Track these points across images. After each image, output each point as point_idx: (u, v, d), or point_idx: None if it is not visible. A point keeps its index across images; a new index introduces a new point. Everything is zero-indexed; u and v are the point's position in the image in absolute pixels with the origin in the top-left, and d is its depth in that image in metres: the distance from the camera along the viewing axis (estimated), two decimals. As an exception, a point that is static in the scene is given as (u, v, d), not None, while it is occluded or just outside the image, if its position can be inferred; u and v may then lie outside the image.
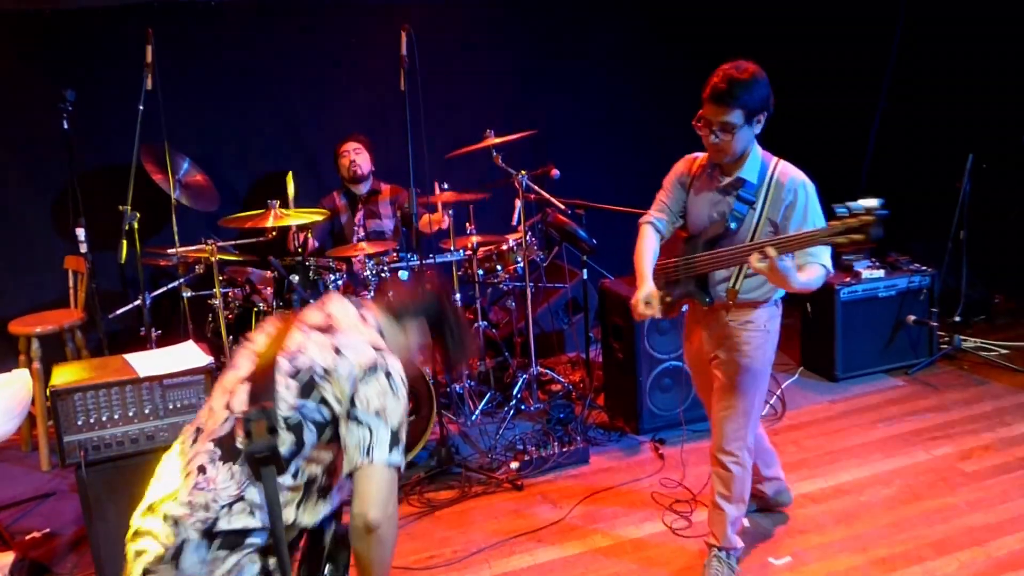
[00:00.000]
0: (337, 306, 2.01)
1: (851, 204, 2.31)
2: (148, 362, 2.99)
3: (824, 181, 6.56)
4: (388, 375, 1.83)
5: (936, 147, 5.84)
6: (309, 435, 1.83)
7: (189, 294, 4.39)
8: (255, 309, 4.16)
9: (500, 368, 5.04)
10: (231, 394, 1.89)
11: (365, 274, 4.17)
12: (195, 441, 1.89)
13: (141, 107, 4.01)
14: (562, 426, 4.38)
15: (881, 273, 5.02)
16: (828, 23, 6.16)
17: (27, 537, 3.65)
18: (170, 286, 4.57)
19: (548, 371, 4.91)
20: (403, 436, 1.85)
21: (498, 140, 4.53)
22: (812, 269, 2.71)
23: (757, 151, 2.82)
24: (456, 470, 4.03)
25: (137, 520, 1.88)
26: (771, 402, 4.64)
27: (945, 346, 5.24)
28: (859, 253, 2.39)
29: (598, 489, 3.83)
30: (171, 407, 2.89)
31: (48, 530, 3.71)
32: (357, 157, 4.93)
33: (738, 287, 2.85)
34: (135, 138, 4.02)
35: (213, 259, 4.00)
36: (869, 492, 3.69)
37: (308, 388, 1.82)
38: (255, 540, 1.78)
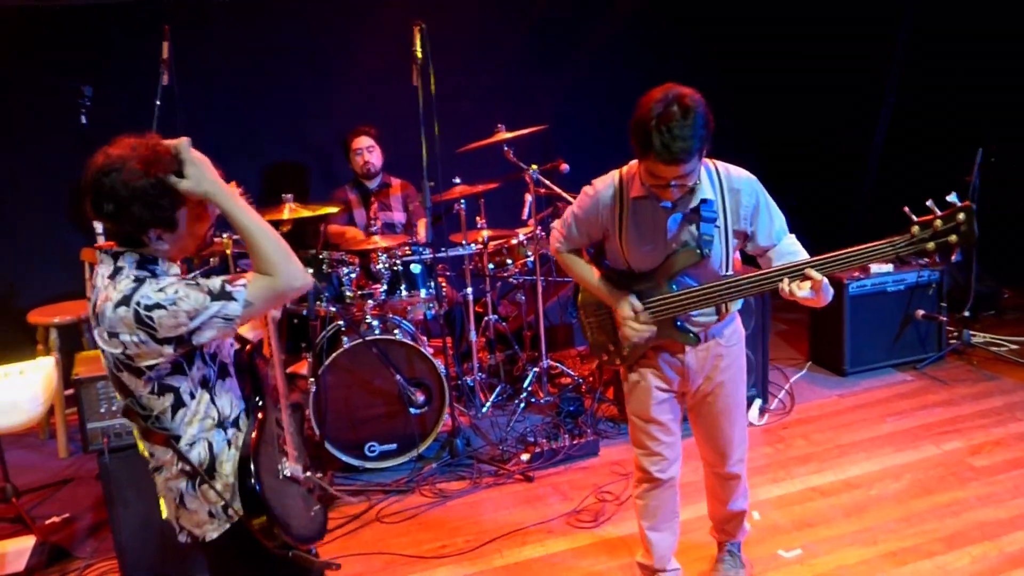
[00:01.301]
0: (98, 272, 1.89)
1: (929, 203, 2.11)
2: (167, 352, 3.03)
3: (832, 176, 6.61)
4: (157, 306, 1.75)
5: (945, 141, 5.85)
6: (177, 379, 1.89)
7: (203, 286, 4.43)
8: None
9: (510, 361, 5.08)
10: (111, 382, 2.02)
11: (378, 267, 4.21)
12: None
13: (158, 102, 4.06)
14: (572, 419, 4.42)
15: (890, 268, 5.03)
16: (836, 17, 6.17)
17: (47, 522, 3.71)
18: (185, 278, 4.62)
19: (558, 364, 4.94)
20: (213, 283, 1.79)
21: (509, 135, 4.56)
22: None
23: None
24: (467, 462, 4.07)
25: None
26: (780, 396, 4.67)
27: (954, 341, 5.26)
28: (945, 259, 2.15)
29: (608, 481, 3.86)
30: (190, 397, 2.93)
31: (68, 515, 3.77)
32: (370, 156, 4.94)
33: (730, 306, 2.60)
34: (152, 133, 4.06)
35: (229, 252, 4.04)
36: (879, 486, 3.72)
37: (133, 369, 1.84)
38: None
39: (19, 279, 5.05)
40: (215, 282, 1.80)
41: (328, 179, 5.51)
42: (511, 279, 4.89)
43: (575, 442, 4.13)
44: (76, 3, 4.86)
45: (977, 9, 5.71)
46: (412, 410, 4.03)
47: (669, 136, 2.15)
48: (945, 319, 5.12)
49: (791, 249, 2.50)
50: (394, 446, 4.07)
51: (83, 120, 4.09)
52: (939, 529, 3.35)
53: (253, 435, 1.97)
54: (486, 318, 4.92)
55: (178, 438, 1.91)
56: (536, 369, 4.75)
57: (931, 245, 2.09)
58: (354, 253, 4.36)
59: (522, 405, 4.59)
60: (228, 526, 1.97)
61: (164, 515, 2.05)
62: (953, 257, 2.12)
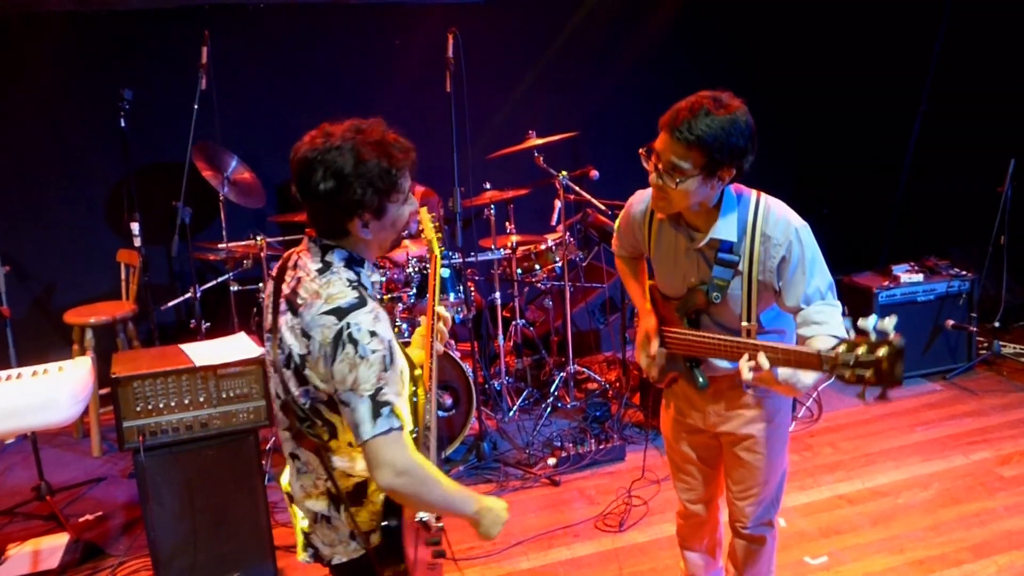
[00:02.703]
0: (303, 260, 1.82)
1: (863, 323, 1.76)
2: (203, 352, 3.09)
3: (863, 187, 6.56)
4: (352, 340, 1.67)
5: (977, 151, 5.80)
6: (329, 413, 1.82)
7: (237, 288, 4.52)
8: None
9: (537, 366, 5.12)
10: (272, 376, 1.90)
11: (408, 271, 4.26)
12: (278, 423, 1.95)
13: (196, 106, 4.14)
14: (598, 424, 4.44)
15: (920, 277, 5.01)
16: (871, 25, 6.15)
17: (81, 520, 3.78)
18: (218, 280, 4.70)
19: (585, 369, 4.96)
20: (385, 395, 1.70)
21: (540, 141, 4.60)
22: (822, 344, 1.97)
23: (731, 195, 2.16)
24: (494, 465, 4.10)
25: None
26: (807, 404, 4.66)
27: (984, 351, 5.21)
28: (875, 391, 1.75)
29: (634, 486, 3.87)
30: (224, 396, 2.99)
31: (101, 513, 3.84)
32: None
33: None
34: (189, 136, 4.15)
35: (263, 254, 4.11)
36: (906, 495, 3.71)
37: (301, 376, 1.78)
38: None
39: (57, 279, 5.17)
40: (389, 387, 1.72)
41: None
42: (539, 284, 4.92)
43: (601, 447, 4.15)
44: (119, 8, 4.96)
45: (1011, 19, 5.67)
46: (440, 413, 4.06)
47: (689, 107, 1.99)
48: (975, 329, 5.08)
49: (817, 319, 2.10)
50: (422, 448, 4.10)
51: (122, 123, 4.18)
52: (966, 538, 3.33)
53: None
54: (514, 322, 4.95)
55: (330, 452, 1.85)
56: (563, 374, 4.77)
57: (847, 375, 1.76)
58: (384, 257, 4.41)
59: (549, 409, 4.61)
60: (359, 555, 1.91)
61: (302, 527, 1.97)
62: (868, 397, 1.76)
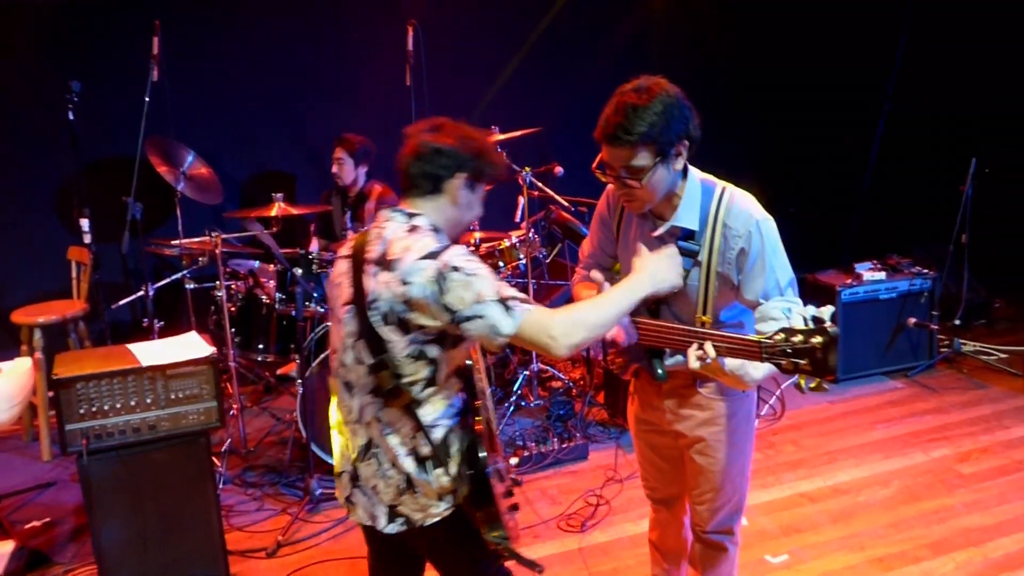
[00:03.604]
0: (389, 227, 1.97)
1: (799, 309, 1.78)
2: (151, 352, 3.00)
3: (828, 186, 6.61)
4: (456, 268, 1.82)
5: (939, 151, 5.86)
6: (436, 351, 1.92)
7: (192, 286, 4.41)
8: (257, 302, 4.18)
9: (501, 364, 5.06)
10: (349, 348, 1.99)
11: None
12: (351, 395, 2.03)
13: (147, 99, 4.03)
14: (562, 422, 4.40)
15: (882, 275, 5.04)
16: (836, 25, 6.18)
17: (27, 526, 3.66)
18: (173, 277, 4.59)
19: (548, 368, 4.92)
20: (507, 291, 1.85)
21: (502, 136, 4.55)
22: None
23: (695, 183, 2.12)
24: (456, 465, 4.04)
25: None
26: (770, 402, 4.66)
27: (945, 349, 5.25)
28: (812, 380, 1.77)
29: (597, 485, 3.84)
30: (173, 397, 2.90)
31: (48, 519, 3.73)
32: (339, 169, 4.83)
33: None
34: (140, 130, 4.03)
35: (217, 251, 4.01)
36: (867, 492, 3.71)
37: (404, 324, 1.87)
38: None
39: (4, 278, 5.01)
40: (507, 288, 1.86)
41: (322, 179, 5.46)
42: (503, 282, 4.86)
43: (564, 446, 4.11)
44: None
45: (973, 20, 5.73)
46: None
47: (615, 111, 1.96)
48: (936, 327, 5.12)
49: (774, 315, 2.04)
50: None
51: (71, 116, 4.05)
52: (926, 535, 3.34)
53: (479, 427, 2.00)
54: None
55: (418, 406, 1.94)
56: (526, 372, 4.73)
57: (785, 363, 1.76)
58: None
59: (512, 408, 4.56)
60: (449, 512, 2.00)
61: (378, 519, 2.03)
62: (805, 387, 1.81)
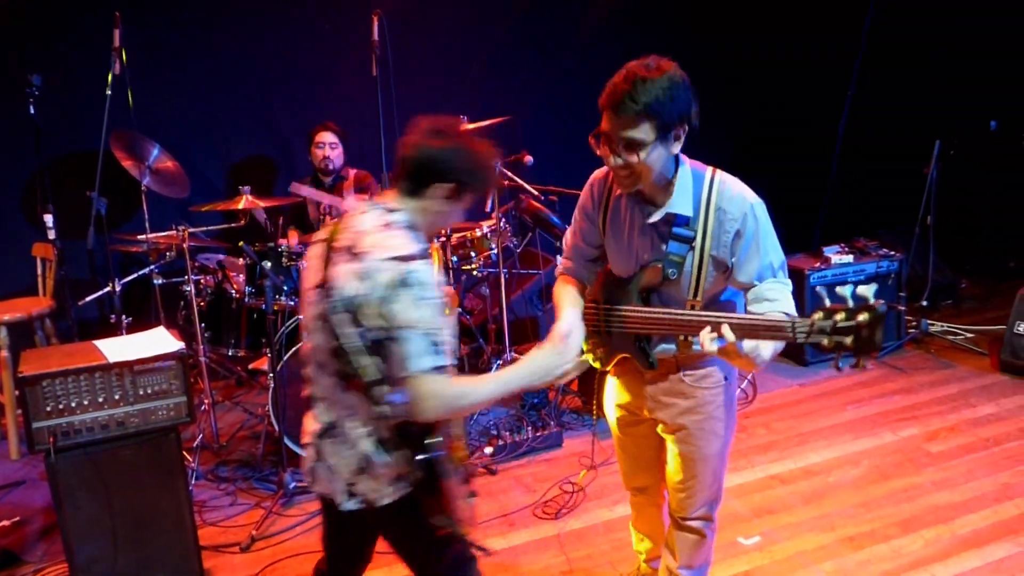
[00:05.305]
0: (364, 219, 1.99)
1: (840, 290, 1.75)
2: (118, 348, 2.96)
3: (796, 170, 6.65)
4: (416, 283, 1.83)
5: (904, 133, 5.92)
6: (383, 350, 1.92)
7: (160, 281, 4.36)
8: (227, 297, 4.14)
9: (475, 355, 5.06)
10: (317, 330, 2.00)
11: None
12: (321, 374, 2.05)
13: (109, 92, 3.96)
14: (536, 411, 4.41)
15: (850, 258, 5.10)
16: (799, 10, 6.21)
17: (-4, 526, 3.62)
18: (140, 273, 4.53)
19: (521, 357, 4.91)
20: (442, 337, 1.86)
21: (471, 126, 4.52)
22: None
23: (686, 170, 2.13)
24: (430, 455, 4.03)
25: None
26: (742, 386, 4.70)
27: (913, 330, 5.33)
28: (852, 359, 1.75)
29: (571, 472, 3.86)
30: (142, 393, 2.86)
31: (18, 518, 3.68)
32: (332, 152, 4.85)
33: (691, 338, 2.20)
34: (103, 123, 3.97)
35: (185, 245, 3.97)
36: (837, 473, 3.76)
37: (354, 317, 1.89)
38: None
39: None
40: (447, 335, 1.88)
41: (291, 172, 5.42)
42: (475, 272, 4.86)
43: (538, 434, 4.12)
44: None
45: (936, 3, 5.79)
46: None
47: (624, 79, 1.95)
48: (904, 309, 5.19)
49: (769, 296, 2.09)
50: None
51: (31, 111, 3.98)
52: (895, 514, 3.40)
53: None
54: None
55: (375, 391, 1.94)
56: (500, 362, 4.72)
57: (826, 342, 1.75)
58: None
59: (485, 398, 4.56)
60: (403, 495, 2.01)
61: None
62: (844, 365, 1.78)
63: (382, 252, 1.87)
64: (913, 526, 3.30)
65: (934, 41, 5.88)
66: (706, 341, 1.93)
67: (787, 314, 2.00)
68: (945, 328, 5.48)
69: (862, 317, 1.71)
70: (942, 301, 5.93)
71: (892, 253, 5.19)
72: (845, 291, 1.75)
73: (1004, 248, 6.39)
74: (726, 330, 1.90)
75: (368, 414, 1.98)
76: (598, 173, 2.34)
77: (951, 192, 5.62)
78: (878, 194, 6.30)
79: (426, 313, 1.83)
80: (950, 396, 4.51)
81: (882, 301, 1.74)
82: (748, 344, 1.92)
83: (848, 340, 1.73)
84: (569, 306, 2.35)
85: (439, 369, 1.85)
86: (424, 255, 1.90)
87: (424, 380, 1.84)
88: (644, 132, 1.96)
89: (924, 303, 5.63)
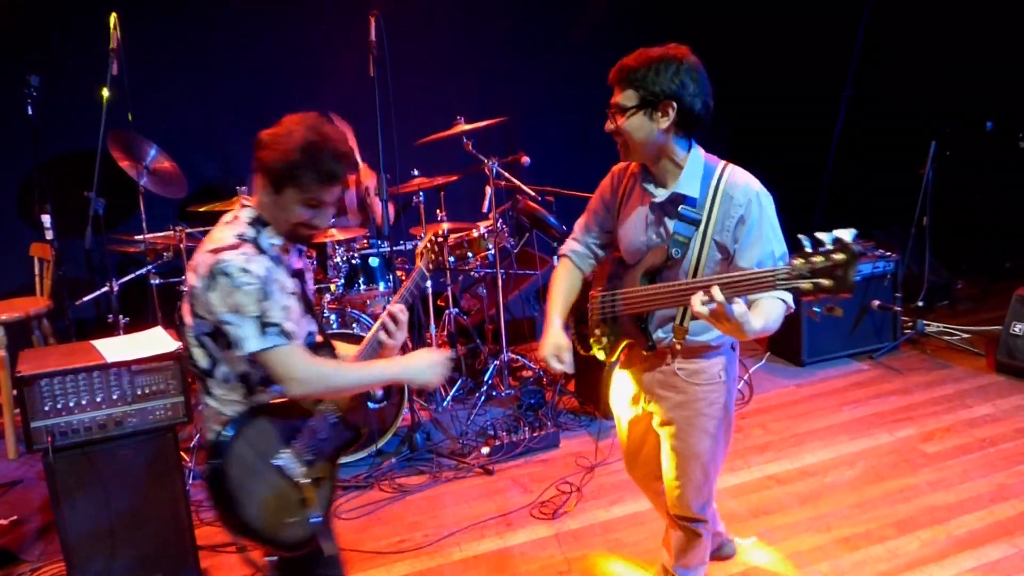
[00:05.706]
0: (228, 213, 2.11)
1: (820, 235, 1.78)
2: (116, 348, 2.97)
3: (789, 170, 6.67)
4: (225, 274, 1.91)
5: (900, 134, 5.94)
6: (211, 344, 2.05)
7: (157, 281, 4.37)
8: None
9: (471, 355, 5.07)
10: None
11: (336, 260, 4.16)
12: None
13: (107, 93, 3.96)
14: (533, 411, 4.42)
15: (847, 259, 5.10)
16: (795, 11, 6.22)
17: (-7, 525, 3.62)
18: (138, 273, 4.53)
19: (519, 357, 4.93)
20: (273, 316, 1.95)
21: (469, 127, 4.54)
22: (769, 306, 2.09)
23: (698, 155, 2.24)
24: (427, 456, 4.05)
25: None
26: (739, 387, 4.71)
27: (909, 331, 5.34)
28: (829, 302, 1.80)
29: (568, 473, 3.86)
30: (139, 392, 2.87)
31: (15, 517, 3.68)
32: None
33: (686, 323, 2.27)
34: (101, 124, 3.98)
35: (182, 245, 3.97)
36: (833, 473, 3.77)
37: (192, 308, 2.02)
38: None
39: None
40: (278, 314, 1.97)
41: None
42: (472, 272, 4.87)
43: (535, 435, 4.13)
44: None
45: (931, 6, 5.80)
46: (371, 405, 4.00)
47: (633, 55, 2.15)
48: (900, 309, 5.20)
49: None
50: (353, 441, 4.03)
51: (30, 111, 3.98)
52: (891, 514, 3.40)
53: (268, 404, 2.08)
54: (447, 312, 4.89)
55: (207, 381, 2.09)
56: (497, 362, 4.74)
57: (805, 285, 1.78)
58: (310, 246, 4.31)
59: (483, 398, 4.57)
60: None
61: None
62: (819, 309, 1.83)
63: (207, 245, 1.99)
64: (909, 527, 3.30)
65: (931, 41, 5.89)
66: (696, 303, 1.95)
67: (783, 300, 2.11)
68: (941, 329, 5.49)
69: (838, 256, 1.74)
70: (938, 301, 5.94)
71: (888, 253, 5.20)
72: (825, 236, 1.77)
73: (1000, 248, 6.40)
74: (715, 291, 1.92)
75: (211, 407, 2.10)
76: (620, 164, 2.44)
77: (947, 192, 5.64)
78: (874, 194, 6.31)
79: (241, 299, 1.91)
80: (946, 397, 4.52)
81: (859, 243, 1.80)
82: (738, 309, 1.93)
83: (826, 282, 1.75)
84: (555, 315, 2.46)
85: (279, 347, 1.95)
86: (237, 246, 1.96)
87: (272, 360, 1.96)
88: (626, 98, 2.14)
89: (920, 304, 5.65)
